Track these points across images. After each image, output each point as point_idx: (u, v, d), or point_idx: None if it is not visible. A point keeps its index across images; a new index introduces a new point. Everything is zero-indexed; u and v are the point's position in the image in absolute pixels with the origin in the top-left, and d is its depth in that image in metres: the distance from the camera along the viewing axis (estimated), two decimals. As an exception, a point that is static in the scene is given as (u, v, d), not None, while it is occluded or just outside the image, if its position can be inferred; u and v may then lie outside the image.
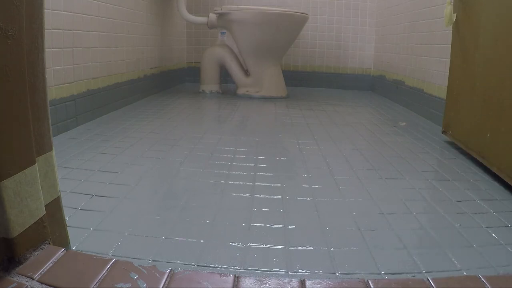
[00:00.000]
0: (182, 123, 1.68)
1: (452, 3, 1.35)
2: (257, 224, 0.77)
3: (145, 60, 2.26)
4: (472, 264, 0.65)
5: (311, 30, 3.05)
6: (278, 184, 0.99)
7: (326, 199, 0.91)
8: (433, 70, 1.90)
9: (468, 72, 1.26)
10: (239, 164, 1.14)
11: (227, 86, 2.84)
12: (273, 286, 0.47)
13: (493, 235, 0.75)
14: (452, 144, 1.42)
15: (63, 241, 0.60)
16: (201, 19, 2.58)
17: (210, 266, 0.62)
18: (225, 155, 1.22)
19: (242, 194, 0.92)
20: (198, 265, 0.62)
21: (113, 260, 0.51)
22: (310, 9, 3.01)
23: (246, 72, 2.55)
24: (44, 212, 0.53)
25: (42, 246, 0.52)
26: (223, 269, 0.62)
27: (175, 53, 2.89)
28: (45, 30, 0.54)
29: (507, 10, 1.01)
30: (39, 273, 0.47)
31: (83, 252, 0.62)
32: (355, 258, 0.66)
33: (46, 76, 0.55)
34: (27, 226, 0.50)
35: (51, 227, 0.55)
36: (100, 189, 0.91)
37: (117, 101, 1.89)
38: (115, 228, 0.73)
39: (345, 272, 0.62)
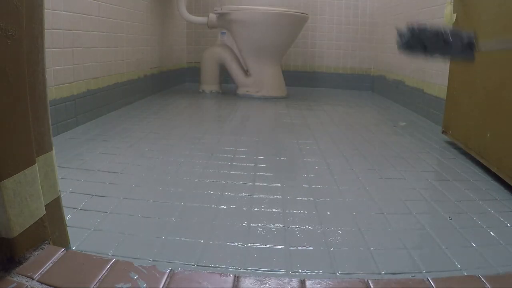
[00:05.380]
0: (182, 123, 1.68)
1: (452, 3, 1.35)
2: (257, 224, 0.77)
3: (145, 60, 2.26)
4: (472, 264, 0.65)
5: (311, 30, 3.05)
6: (278, 184, 0.99)
7: (326, 199, 0.91)
8: (433, 70, 1.90)
9: (468, 72, 1.25)
10: (239, 164, 1.14)
11: (227, 86, 2.85)
12: (273, 286, 0.47)
13: (493, 235, 0.75)
14: (452, 144, 1.42)
15: (63, 241, 0.60)
16: (201, 19, 2.58)
17: (210, 266, 0.62)
18: (225, 155, 1.22)
19: (242, 194, 0.92)
20: (198, 265, 0.63)
21: (113, 260, 0.51)
22: (310, 9, 3.01)
23: (246, 72, 2.55)
24: (44, 212, 0.53)
25: (42, 246, 0.52)
26: (223, 269, 0.62)
27: (175, 53, 2.89)
28: (45, 30, 0.54)
29: (506, 10, 1.01)
30: (39, 273, 0.47)
31: (83, 252, 0.62)
32: (355, 258, 0.66)
33: (46, 76, 0.55)
34: (27, 226, 0.50)
35: (51, 227, 0.55)
36: (100, 189, 0.91)
37: (117, 101, 1.89)
38: (115, 228, 0.73)
39: (345, 272, 0.62)
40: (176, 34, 2.89)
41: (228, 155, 1.22)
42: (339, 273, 0.62)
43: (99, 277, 0.47)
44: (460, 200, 0.92)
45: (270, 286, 0.47)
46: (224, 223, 0.77)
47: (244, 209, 0.84)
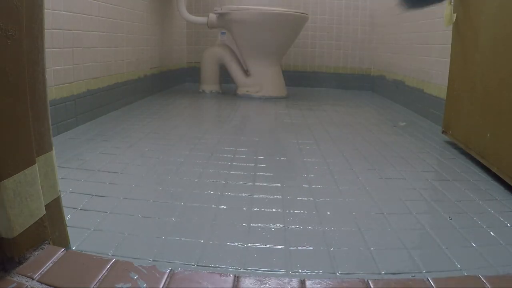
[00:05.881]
0: (182, 123, 1.68)
1: (452, 3, 1.35)
2: (257, 224, 0.77)
3: (145, 60, 2.26)
4: (472, 264, 0.65)
5: (311, 30, 3.05)
6: (278, 184, 0.99)
7: (326, 199, 0.91)
8: (433, 70, 1.90)
9: (468, 72, 1.26)
10: (239, 164, 1.14)
11: (227, 86, 2.85)
12: (273, 286, 0.47)
13: (493, 235, 0.75)
14: (452, 144, 1.42)
15: (63, 241, 0.60)
16: (201, 19, 2.58)
17: (210, 266, 0.62)
18: (225, 155, 1.22)
19: (242, 194, 0.92)
20: (198, 265, 0.62)
21: (113, 260, 0.51)
22: (310, 9, 3.01)
23: (246, 72, 2.55)
24: (44, 212, 0.53)
25: (42, 246, 0.52)
26: (223, 269, 0.62)
27: (175, 53, 2.89)
28: (45, 30, 0.54)
29: (506, 10, 1.01)
30: (39, 273, 0.47)
31: (83, 252, 0.62)
32: (355, 258, 0.66)
33: (46, 76, 0.55)
34: (27, 226, 0.50)
35: (51, 227, 0.55)
36: (100, 189, 0.91)
37: (117, 101, 1.89)
38: (115, 228, 0.73)
39: (345, 272, 0.62)
40: (176, 34, 2.89)
41: (228, 155, 1.22)
42: (339, 273, 0.62)
43: (99, 277, 0.47)
44: (460, 200, 0.92)
45: (270, 286, 0.47)
46: (224, 223, 0.77)
47: (244, 209, 0.84)
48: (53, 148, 0.57)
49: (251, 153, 1.26)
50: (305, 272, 0.62)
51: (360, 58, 3.10)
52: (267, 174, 1.06)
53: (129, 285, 0.46)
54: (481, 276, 0.49)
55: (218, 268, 0.62)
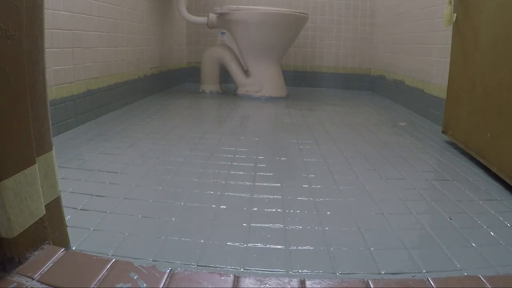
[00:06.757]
0: (182, 123, 1.68)
1: (452, 3, 1.35)
2: (257, 224, 0.77)
3: (145, 60, 2.26)
4: (472, 264, 0.65)
5: (311, 30, 3.05)
6: (278, 184, 0.99)
7: (326, 199, 0.91)
8: (433, 70, 1.90)
9: (468, 72, 1.26)
10: (239, 164, 1.14)
11: (227, 86, 2.84)
12: (273, 286, 0.47)
13: (493, 235, 0.75)
14: (452, 144, 1.42)
15: (63, 241, 0.60)
16: (201, 19, 2.58)
17: (210, 266, 0.62)
18: (225, 155, 1.22)
19: (242, 194, 0.92)
20: (198, 265, 0.63)
21: (113, 260, 0.51)
22: (310, 9, 3.01)
23: (246, 72, 2.55)
24: (44, 212, 0.53)
25: (42, 246, 0.52)
26: (223, 269, 0.62)
27: (175, 53, 2.89)
28: (45, 30, 0.54)
29: (506, 10, 1.01)
30: (39, 273, 0.47)
31: (83, 252, 0.62)
32: (355, 258, 0.66)
33: (46, 76, 0.55)
34: (27, 226, 0.50)
35: (51, 227, 0.55)
36: (100, 189, 0.91)
37: (117, 101, 1.89)
38: (115, 228, 0.73)
39: (345, 272, 0.62)
40: (176, 34, 2.89)
41: (228, 155, 1.22)
42: (339, 273, 0.62)
43: (99, 277, 0.47)
44: (460, 200, 0.92)
45: (270, 286, 0.47)
46: (224, 223, 0.77)
47: (244, 209, 0.84)
48: (53, 148, 0.57)
49: (251, 153, 1.26)
50: (305, 272, 0.62)
51: (360, 58, 3.10)
52: (267, 174, 1.06)
53: (129, 285, 0.46)
54: (481, 276, 0.49)
55: (218, 268, 0.62)
